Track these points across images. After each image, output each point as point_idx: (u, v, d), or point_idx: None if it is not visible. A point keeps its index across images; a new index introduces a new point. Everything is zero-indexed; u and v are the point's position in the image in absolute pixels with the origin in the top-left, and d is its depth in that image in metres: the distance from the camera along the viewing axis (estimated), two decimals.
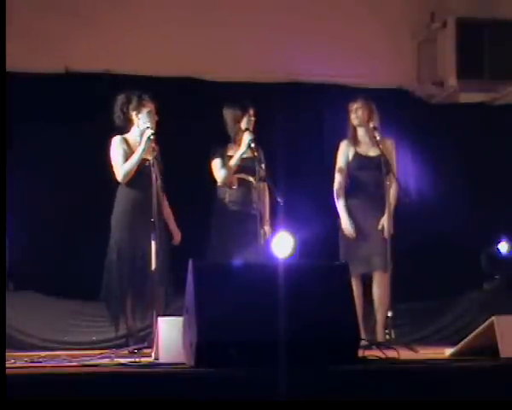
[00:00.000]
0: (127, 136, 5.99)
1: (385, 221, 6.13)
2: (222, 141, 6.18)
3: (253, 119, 6.16)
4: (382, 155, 6.09)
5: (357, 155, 6.31)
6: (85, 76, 7.18)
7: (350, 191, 6.31)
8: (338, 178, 6.34)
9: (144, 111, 5.93)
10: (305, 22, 7.58)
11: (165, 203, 5.98)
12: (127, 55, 7.21)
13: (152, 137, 5.80)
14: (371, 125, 6.21)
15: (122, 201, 5.95)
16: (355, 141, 6.34)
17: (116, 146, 5.96)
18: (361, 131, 6.34)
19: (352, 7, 7.72)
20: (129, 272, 5.81)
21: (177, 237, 6.12)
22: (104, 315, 6.63)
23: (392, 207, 6.22)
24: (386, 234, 6.09)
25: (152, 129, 5.83)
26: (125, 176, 5.90)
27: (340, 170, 6.33)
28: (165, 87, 6.87)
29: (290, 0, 7.65)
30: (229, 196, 6.16)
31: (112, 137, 5.97)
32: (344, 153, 6.35)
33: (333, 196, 6.38)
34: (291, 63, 7.52)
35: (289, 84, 7.61)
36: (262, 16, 7.51)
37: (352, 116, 6.32)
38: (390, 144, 6.35)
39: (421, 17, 7.99)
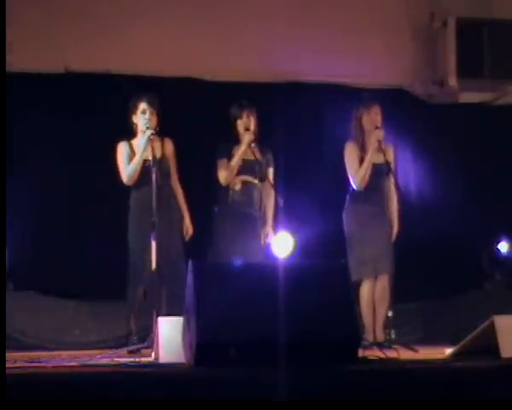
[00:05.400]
0: (132, 140, 6.00)
1: (394, 226, 6.17)
2: (229, 141, 6.17)
3: (251, 118, 6.14)
4: (387, 162, 6.08)
5: (362, 160, 6.20)
6: (85, 76, 7.18)
7: (359, 196, 6.20)
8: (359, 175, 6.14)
9: (138, 112, 5.94)
10: (304, 22, 7.57)
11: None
12: (127, 55, 7.20)
13: (152, 137, 5.80)
14: (382, 130, 6.14)
15: (131, 203, 5.95)
16: (363, 146, 6.17)
17: (120, 150, 5.99)
18: (369, 136, 6.16)
19: (351, 7, 7.71)
20: (139, 271, 5.80)
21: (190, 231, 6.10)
22: (103, 314, 6.64)
23: (397, 211, 6.21)
24: (393, 238, 6.15)
25: (150, 129, 5.83)
26: (128, 177, 5.91)
27: (357, 170, 6.14)
28: (165, 87, 6.86)
29: (290, 0, 7.64)
30: (231, 196, 6.15)
31: (113, 138, 5.97)
32: (353, 154, 6.18)
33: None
34: (291, 63, 7.51)
35: (289, 84, 7.60)
36: (262, 16, 7.50)
37: (367, 119, 6.15)
38: (391, 150, 6.31)
39: (421, 17, 7.98)
